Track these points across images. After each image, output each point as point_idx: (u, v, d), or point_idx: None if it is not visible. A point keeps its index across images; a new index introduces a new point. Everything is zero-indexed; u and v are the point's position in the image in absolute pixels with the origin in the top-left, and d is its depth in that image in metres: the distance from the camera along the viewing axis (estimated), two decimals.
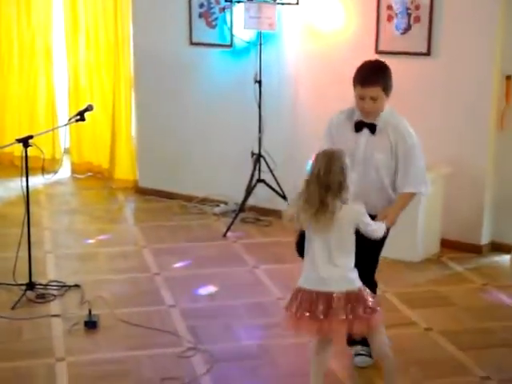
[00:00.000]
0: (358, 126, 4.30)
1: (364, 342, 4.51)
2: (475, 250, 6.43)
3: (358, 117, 4.32)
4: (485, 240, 6.47)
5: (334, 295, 3.92)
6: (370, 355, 4.56)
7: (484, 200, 6.38)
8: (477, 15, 6.14)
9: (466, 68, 6.25)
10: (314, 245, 3.96)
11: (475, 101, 6.25)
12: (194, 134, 7.66)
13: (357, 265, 3.99)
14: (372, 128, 4.27)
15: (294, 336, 4.86)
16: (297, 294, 4.01)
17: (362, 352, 4.59)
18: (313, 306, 3.92)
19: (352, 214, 3.94)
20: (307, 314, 3.93)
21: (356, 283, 3.98)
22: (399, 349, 4.73)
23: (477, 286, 5.83)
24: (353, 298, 3.95)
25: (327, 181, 3.82)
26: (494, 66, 6.18)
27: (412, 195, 4.38)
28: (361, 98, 4.23)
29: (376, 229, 4.04)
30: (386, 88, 4.26)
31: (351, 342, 4.55)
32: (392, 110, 4.36)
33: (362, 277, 4.01)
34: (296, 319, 3.98)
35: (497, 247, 6.47)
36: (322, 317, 3.90)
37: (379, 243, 4.31)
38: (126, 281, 5.89)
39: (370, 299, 3.97)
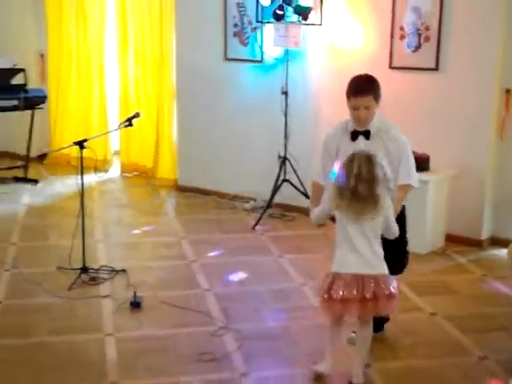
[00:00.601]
0: (354, 135, 4.28)
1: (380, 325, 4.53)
2: (476, 244, 6.36)
3: (351, 127, 4.29)
4: (485, 235, 6.40)
5: (379, 277, 3.94)
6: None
7: (484, 199, 6.31)
8: (479, 35, 6.09)
9: (470, 82, 6.19)
10: (352, 234, 3.93)
11: (478, 111, 6.19)
12: (227, 138, 7.66)
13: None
14: (367, 134, 4.25)
15: (313, 318, 4.88)
16: (339, 279, 3.95)
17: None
18: (360, 287, 3.90)
19: (386, 206, 3.95)
20: (355, 295, 3.90)
21: (386, 267, 4.00)
22: (408, 331, 4.77)
23: (477, 277, 5.77)
24: (386, 279, 3.97)
25: (371, 176, 3.84)
26: (494, 80, 6.12)
27: (408, 186, 4.34)
28: (355, 109, 4.20)
29: (397, 228, 4.04)
30: (376, 97, 4.24)
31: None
32: (381, 116, 4.33)
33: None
34: (342, 302, 3.93)
35: (495, 242, 6.39)
36: (369, 296, 3.89)
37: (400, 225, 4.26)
38: (166, 267, 5.90)
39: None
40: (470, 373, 4.23)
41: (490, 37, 6.06)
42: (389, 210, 3.97)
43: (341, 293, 3.91)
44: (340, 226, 4.01)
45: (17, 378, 4.17)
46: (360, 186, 3.83)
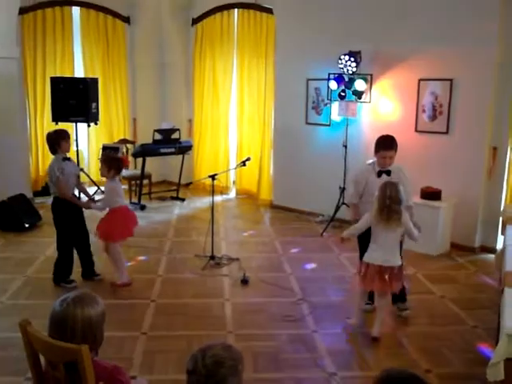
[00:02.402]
0: (379, 173, 4.32)
1: (402, 298, 4.48)
2: (471, 250, 6.21)
3: (377, 168, 4.33)
4: (477, 243, 6.24)
5: (394, 268, 3.98)
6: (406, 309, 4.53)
7: (477, 219, 6.17)
8: (476, 111, 5.99)
9: (469, 141, 6.09)
10: (380, 237, 3.97)
11: (474, 161, 6.09)
12: (306, 174, 7.66)
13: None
14: (388, 173, 4.29)
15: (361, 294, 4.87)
16: (366, 267, 4.02)
17: (404, 307, 4.53)
18: (380, 273, 3.96)
19: (405, 219, 3.96)
20: (377, 277, 3.96)
21: (400, 261, 4.04)
22: (424, 307, 4.72)
23: (472, 272, 5.64)
24: (400, 269, 4.02)
25: (398, 198, 3.87)
26: (486, 141, 6.00)
27: (412, 206, 4.36)
28: (383, 158, 4.26)
29: (417, 234, 4.06)
30: (396, 150, 4.29)
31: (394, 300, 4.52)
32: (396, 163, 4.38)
33: None
34: (366, 281, 4.02)
35: (484, 249, 6.22)
36: (387, 279, 3.97)
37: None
38: (264, 258, 5.95)
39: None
40: (466, 336, 4.18)
41: (483, 113, 5.96)
42: (407, 222, 3.97)
43: (367, 275, 4.00)
44: (373, 232, 4.03)
45: (174, 322, 4.33)
46: (392, 205, 3.87)
